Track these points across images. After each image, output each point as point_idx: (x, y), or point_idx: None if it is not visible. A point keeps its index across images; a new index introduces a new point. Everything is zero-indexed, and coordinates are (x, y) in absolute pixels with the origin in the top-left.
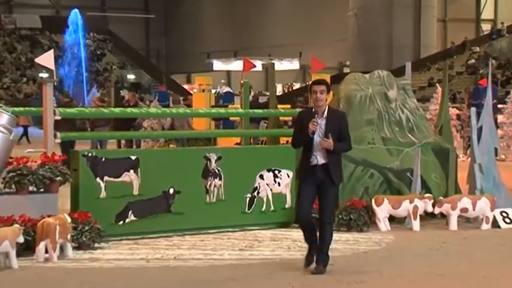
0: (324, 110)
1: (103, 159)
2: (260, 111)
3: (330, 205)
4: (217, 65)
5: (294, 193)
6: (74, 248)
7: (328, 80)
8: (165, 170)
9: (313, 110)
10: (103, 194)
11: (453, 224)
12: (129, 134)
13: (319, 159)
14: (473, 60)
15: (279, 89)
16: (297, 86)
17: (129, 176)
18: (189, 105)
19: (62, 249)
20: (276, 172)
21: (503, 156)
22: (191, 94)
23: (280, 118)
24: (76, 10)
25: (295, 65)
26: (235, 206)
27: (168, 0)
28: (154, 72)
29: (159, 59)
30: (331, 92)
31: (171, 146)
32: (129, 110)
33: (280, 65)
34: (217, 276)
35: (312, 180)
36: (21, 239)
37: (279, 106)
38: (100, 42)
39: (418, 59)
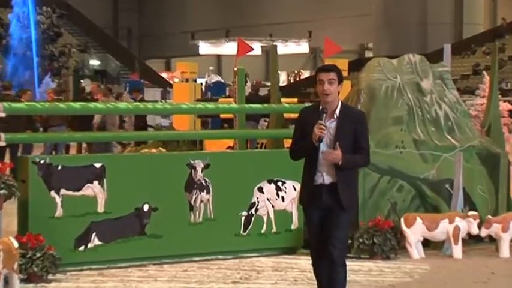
0: (336, 108)
1: (59, 167)
2: (259, 106)
3: (341, 239)
4: (205, 47)
5: (302, 210)
6: (22, 281)
7: (346, 67)
8: (138, 181)
9: (321, 107)
10: (59, 212)
11: (504, 250)
12: (91, 135)
13: (325, 177)
14: None
15: (283, 78)
16: (305, 74)
17: (93, 189)
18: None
19: (6, 281)
20: (279, 184)
21: None
22: (171, 85)
23: (285, 115)
24: None
25: (303, 47)
26: (228, 227)
27: None
28: (125, 56)
29: (130, 41)
30: (348, 83)
31: (160, 149)
32: (92, 105)
33: (285, 48)
34: None
35: (317, 205)
36: None
37: (282, 100)
38: (55, 18)
39: (460, 40)
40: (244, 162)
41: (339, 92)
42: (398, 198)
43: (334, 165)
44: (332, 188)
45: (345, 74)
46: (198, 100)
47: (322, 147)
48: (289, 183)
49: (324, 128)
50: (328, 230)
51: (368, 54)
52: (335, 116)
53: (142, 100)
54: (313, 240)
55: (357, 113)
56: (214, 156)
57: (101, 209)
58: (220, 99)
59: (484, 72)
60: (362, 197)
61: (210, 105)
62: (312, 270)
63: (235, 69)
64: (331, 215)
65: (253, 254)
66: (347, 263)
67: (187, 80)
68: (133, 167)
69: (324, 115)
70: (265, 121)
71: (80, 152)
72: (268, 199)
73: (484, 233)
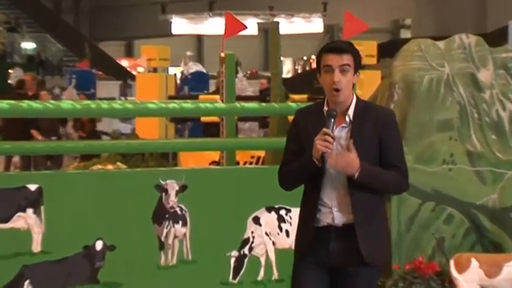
0: (348, 107)
1: None
2: (255, 106)
3: None
4: (180, 25)
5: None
6: None
7: (374, 51)
8: (88, 209)
9: (326, 108)
10: None
11: None
12: (27, 147)
13: (335, 213)
14: None
15: (288, 68)
16: None
17: (26, 220)
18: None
19: None
20: (283, 212)
21: None
22: (134, 76)
23: (290, 118)
24: None
25: (315, 25)
26: (211, 272)
27: None
28: (70, 37)
29: (77, 16)
30: (377, 74)
31: (119, 165)
32: (25, 103)
33: (290, 26)
34: None
35: (321, 261)
36: None
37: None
38: None
39: None
40: (234, 183)
41: (354, 84)
42: (446, 232)
43: (348, 193)
44: (347, 232)
45: (372, 60)
46: (170, 97)
47: (330, 170)
48: (295, 212)
49: (331, 139)
50: None
51: (405, 34)
52: (347, 119)
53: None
54: None
55: (383, 112)
56: (193, 175)
57: (36, 247)
58: (202, 96)
59: None
60: (397, 230)
61: (188, 105)
62: None
63: (222, 54)
64: (346, 279)
65: None
66: None
67: (155, 70)
68: (82, 189)
69: (332, 120)
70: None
71: (9, 169)
72: (267, 233)
73: None
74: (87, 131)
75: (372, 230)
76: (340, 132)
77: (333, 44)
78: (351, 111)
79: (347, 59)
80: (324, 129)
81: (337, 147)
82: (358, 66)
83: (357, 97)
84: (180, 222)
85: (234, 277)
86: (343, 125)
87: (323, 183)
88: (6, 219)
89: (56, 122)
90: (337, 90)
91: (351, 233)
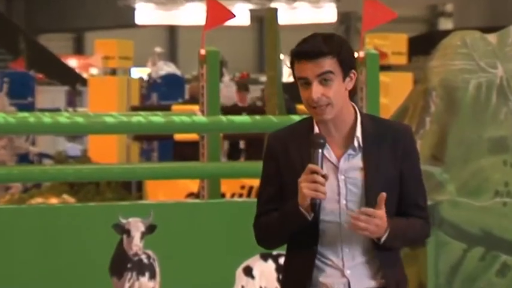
0: (354, 127)
1: None
2: (245, 119)
3: None
4: (146, 12)
5: None
6: None
7: (404, 47)
8: (26, 254)
9: (315, 129)
10: None
11: None
12: None
13: (350, 278)
14: None
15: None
16: None
17: None
18: None
19: None
20: (281, 260)
21: None
22: (85, 80)
23: None
24: None
25: (326, 12)
26: None
27: None
28: (1, 29)
29: (11, 2)
30: (408, 76)
31: (65, 197)
32: None
33: (293, 13)
34: None
35: None
36: None
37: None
38: None
39: None
40: (218, 222)
41: (350, 92)
42: (499, 286)
43: (367, 245)
44: None
45: (402, 59)
46: (133, 108)
47: (327, 213)
48: None
49: (322, 179)
50: None
51: (445, 24)
52: (356, 144)
53: None
54: None
55: (401, 130)
56: (163, 211)
57: None
58: (175, 107)
59: None
60: (434, 284)
61: (157, 118)
62: None
63: (202, 51)
64: None
65: None
66: None
67: (114, 72)
68: (17, 229)
69: (320, 151)
70: None
71: None
72: None
73: None
74: None
75: None
76: (347, 162)
77: (303, 45)
78: (358, 132)
79: (328, 64)
80: (310, 166)
81: (345, 183)
82: (349, 66)
83: (360, 111)
84: (147, 273)
85: None
86: (351, 152)
87: (319, 231)
88: None
89: None
90: (318, 107)
91: None
